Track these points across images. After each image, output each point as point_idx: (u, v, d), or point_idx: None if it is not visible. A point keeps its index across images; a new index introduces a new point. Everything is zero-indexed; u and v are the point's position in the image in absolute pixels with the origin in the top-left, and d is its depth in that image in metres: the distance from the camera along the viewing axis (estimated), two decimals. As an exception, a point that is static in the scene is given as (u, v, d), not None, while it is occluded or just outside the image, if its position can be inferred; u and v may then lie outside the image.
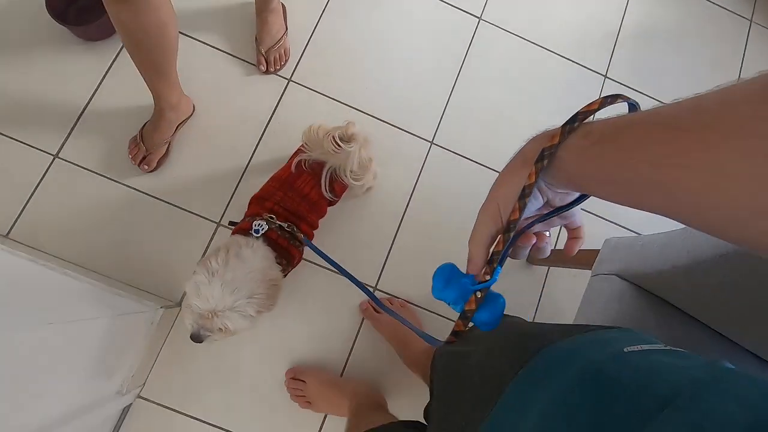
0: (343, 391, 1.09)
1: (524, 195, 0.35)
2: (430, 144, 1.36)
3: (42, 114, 1.22)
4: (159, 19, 0.90)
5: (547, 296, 1.30)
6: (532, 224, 0.40)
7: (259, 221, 0.92)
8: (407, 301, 1.23)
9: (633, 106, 0.35)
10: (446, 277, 0.41)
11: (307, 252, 1.00)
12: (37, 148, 1.20)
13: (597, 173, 0.31)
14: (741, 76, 1.53)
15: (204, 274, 0.80)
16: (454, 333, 0.39)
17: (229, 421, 1.13)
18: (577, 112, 0.33)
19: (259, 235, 0.90)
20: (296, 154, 1.03)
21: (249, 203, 1.03)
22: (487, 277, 0.38)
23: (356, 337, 1.21)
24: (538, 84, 1.47)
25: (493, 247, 0.38)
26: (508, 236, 0.37)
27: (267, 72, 1.31)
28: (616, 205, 0.32)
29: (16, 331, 0.61)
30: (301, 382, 1.12)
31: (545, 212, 0.40)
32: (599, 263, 0.88)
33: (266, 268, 0.87)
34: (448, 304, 0.41)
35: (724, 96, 0.24)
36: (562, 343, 0.46)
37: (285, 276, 0.95)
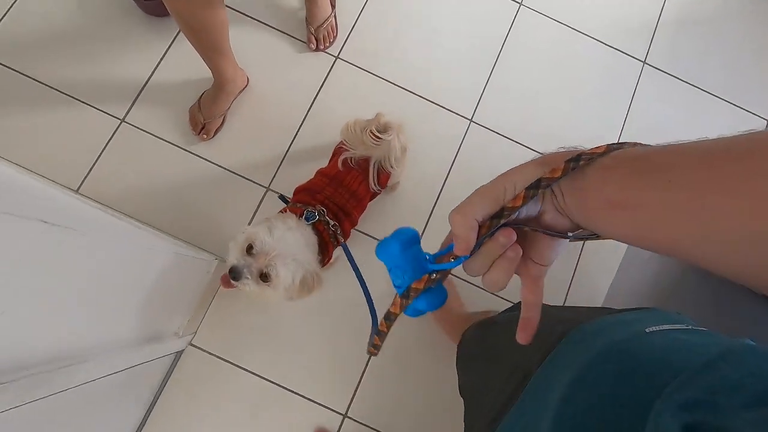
0: None
1: (537, 186, 0.32)
2: (469, 122, 1.41)
3: (111, 82, 1.32)
4: (210, 4, 0.97)
5: (581, 272, 1.32)
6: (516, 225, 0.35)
7: (311, 210, 0.96)
8: None
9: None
10: (407, 241, 0.36)
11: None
12: (106, 113, 1.30)
13: (618, 193, 0.29)
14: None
15: (266, 226, 0.85)
16: (387, 317, 0.37)
17: (271, 371, 1.19)
18: (582, 153, 0.31)
19: (309, 222, 0.94)
20: (338, 151, 1.06)
21: (296, 192, 1.07)
22: (451, 260, 0.34)
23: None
24: (577, 69, 1.50)
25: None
26: (495, 222, 0.33)
27: (317, 49, 1.39)
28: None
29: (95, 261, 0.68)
30: None
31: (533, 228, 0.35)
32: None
33: (314, 250, 0.92)
34: (389, 271, 0.37)
35: (756, 135, 0.25)
36: (587, 326, 0.47)
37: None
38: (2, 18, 1.32)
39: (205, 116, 1.27)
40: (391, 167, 1.03)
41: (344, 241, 1.00)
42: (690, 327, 0.41)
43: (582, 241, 0.39)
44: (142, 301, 0.84)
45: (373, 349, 0.40)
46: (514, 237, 0.34)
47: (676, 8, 1.57)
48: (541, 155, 0.35)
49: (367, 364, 1.22)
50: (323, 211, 0.97)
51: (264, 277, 0.83)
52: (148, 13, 1.36)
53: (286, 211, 0.99)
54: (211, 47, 1.12)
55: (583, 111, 1.46)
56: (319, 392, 1.19)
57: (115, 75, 1.33)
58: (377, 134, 0.97)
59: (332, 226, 0.98)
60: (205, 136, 1.29)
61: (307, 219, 0.95)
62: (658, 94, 1.50)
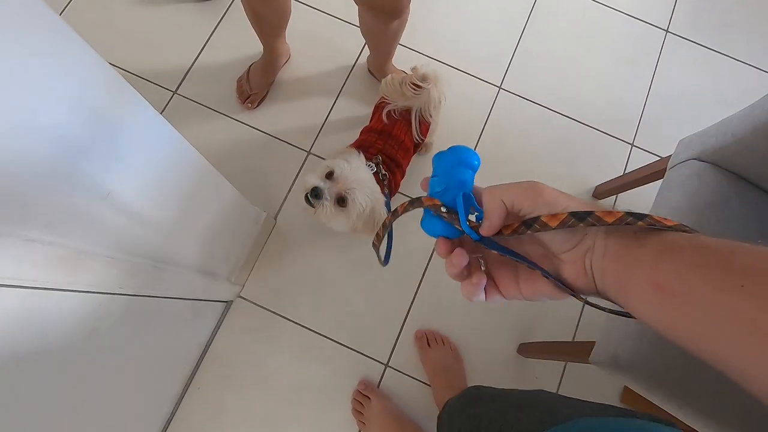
0: (402, 430, 1.09)
1: (583, 218, 0.29)
2: (498, 89, 1.47)
3: (163, 56, 1.42)
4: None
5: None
6: (520, 258, 0.34)
7: (369, 163, 1.01)
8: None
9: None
10: (462, 161, 0.36)
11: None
12: (157, 84, 1.40)
13: (674, 279, 0.26)
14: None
15: (344, 158, 0.92)
16: (393, 212, 0.37)
17: (315, 322, 1.24)
18: (648, 214, 0.28)
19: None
20: (380, 107, 1.13)
21: None
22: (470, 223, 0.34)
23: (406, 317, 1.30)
24: (602, 39, 1.55)
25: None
26: (523, 229, 0.32)
27: None
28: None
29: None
30: (367, 399, 1.14)
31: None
32: (675, 157, 0.95)
33: (382, 203, 0.97)
34: (431, 177, 0.37)
35: None
36: (598, 420, 0.43)
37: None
38: (63, 10, 1.45)
39: (252, 87, 1.36)
40: (431, 116, 1.10)
41: (388, 199, 1.06)
42: None
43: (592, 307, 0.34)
44: (206, 230, 0.91)
45: (376, 240, 0.40)
46: (463, 263, 0.34)
47: (696, -23, 1.62)
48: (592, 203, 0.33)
49: (406, 316, 1.26)
50: (380, 161, 1.04)
51: (341, 201, 0.89)
52: (197, -4, 1.47)
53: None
54: (271, 32, 1.24)
55: (610, 77, 1.51)
56: (362, 342, 1.24)
57: (169, 50, 1.43)
58: (417, 83, 1.04)
59: (383, 176, 1.04)
60: (249, 105, 1.37)
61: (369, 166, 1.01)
62: (682, 61, 1.55)
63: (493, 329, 1.26)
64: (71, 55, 0.46)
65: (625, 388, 1.21)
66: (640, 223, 0.28)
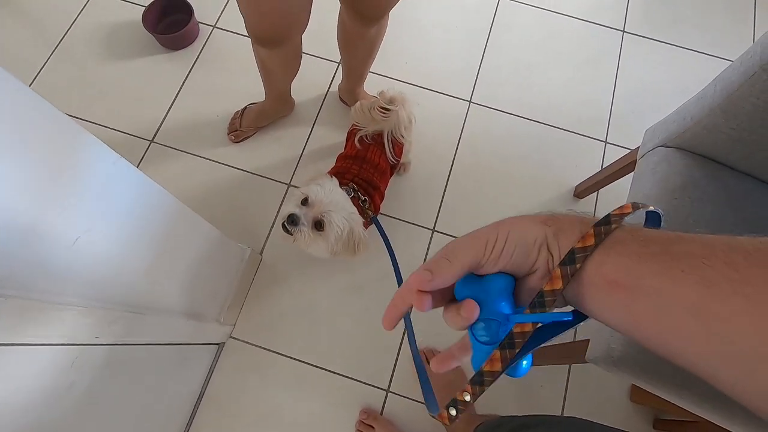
0: None
1: (573, 260, 0.27)
2: (468, 103, 1.51)
3: (139, 108, 1.45)
4: (295, 52, 1.12)
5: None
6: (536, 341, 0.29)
7: (345, 187, 1.02)
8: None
9: (658, 216, 0.31)
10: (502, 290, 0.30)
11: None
12: (133, 135, 1.42)
13: (622, 272, 0.25)
14: (755, 23, 1.63)
15: (318, 183, 0.93)
16: (479, 381, 0.28)
17: (310, 355, 1.22)
18: (609, 214, 0.27)
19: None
20: (352, 133, 1.15)
21: None
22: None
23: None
24: (563, 45, 1.61)
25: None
26: (539, 311, 0.28)
27: None
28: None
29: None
30: (370, 428, 1.12)
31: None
32: (643, 147, 0.96)
33: (359, 223, 0.97)
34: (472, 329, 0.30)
35: None
36: None
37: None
38: (38, 74, 1.48)
39: (242, 125, 1.39)
40: (402, 136, 1.12)
41: (374, 215, 1.07)
42: None
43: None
44: (188, 272, 0.91)
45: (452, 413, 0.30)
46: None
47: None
48: (543, 213, 0.30)
49: (402, 338, 1.24)
50: (355, 187, 1.05)
51: (318, 225, 0.90)
52: (166, 46, 1.52)
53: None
54: (280, 83, 1.27)
55: (576, 79, 1.56)
56: (360, 370, 1.21)
57: (144, 104, 1.46)
58: (385, 107, 1.06)
59: (362, 201, 1.04)
60: (233, 138, 1.40)
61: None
62: (642, 57, 1.60)
63: (492, 341, 1.24)
64: (27, 110, 0.46)
65: (633, 387, 1.18)
66: (613, 227, 0.27)
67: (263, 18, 0.95)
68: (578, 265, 0.26)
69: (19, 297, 0.48)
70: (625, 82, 1.55)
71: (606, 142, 1.47)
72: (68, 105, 1.44)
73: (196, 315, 0.99)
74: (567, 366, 1.21)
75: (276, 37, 1.00)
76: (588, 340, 0.82)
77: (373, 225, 1.13)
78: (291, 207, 0.90)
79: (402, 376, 1.20)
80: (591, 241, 0.26)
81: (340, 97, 1.47)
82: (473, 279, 0.31)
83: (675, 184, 0.80)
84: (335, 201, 0.92)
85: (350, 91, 1.40)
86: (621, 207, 0.28)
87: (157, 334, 0.82)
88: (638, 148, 1.02)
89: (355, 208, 0.99)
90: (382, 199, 1.15)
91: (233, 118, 1.42)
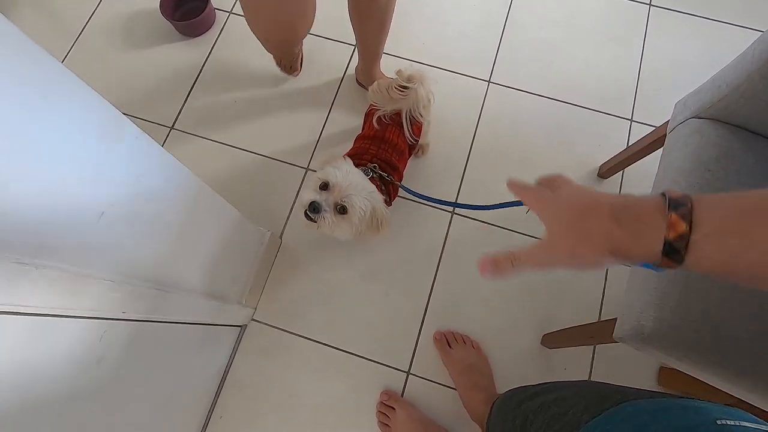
0: None
1: (680, 260, 0.32)
2: (487, 83, 1.47)
3: (158, 95, 1.46)
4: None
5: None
6: None
7: (364, 168, 1.01)
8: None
9: None
10: None
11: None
12: (154, 122, 1.43)
13: (726, 222, 0.30)
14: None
15: (333, 165, 0.92)
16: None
17: (331, 337, 1.22)
18: (669, 197, 0.32)
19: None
20: (370, 114, 1.14)
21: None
22: None
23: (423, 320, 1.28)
24: (585, 21, 1.55)
25: None
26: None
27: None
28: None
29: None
30: (391, 409, 1.11)
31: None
32: (672, 120, 0.92)
33: (380, 200, 0.96)
34: None
35: None
36: (647, 402, 0.42)
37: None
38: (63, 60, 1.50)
39: (285, 61, 1.41)
40: (420, 115, 1.10)
41: (400, 184, 1.05)
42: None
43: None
44: (210, 252, 0.91)
45: None
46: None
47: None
48: (604, 208, 0.35)
49: (422, 321, 1.23)
50: (375, 166, 1.03)
51: (341, 209, 0.89)
52: (183, 33, 1.52)
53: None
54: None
55: (599, 57, 1.51)
56: (381, 352, 1.21)
57: (164, 90, 1.47)
58: (403, 85, 1.04)
59: (387, 176, 1.03)
60: (296, 73, 1.46)
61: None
62: (670, 31, 1.53)
63: (515, 323, 1.22)
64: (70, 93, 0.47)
65: (661, 368, 1.15)
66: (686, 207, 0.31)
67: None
68: (689, 205, 0.31)
69: (50, 267, 0.49)
70: (651, 57, 1.49)
71: (632, 120, 1.42)
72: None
73: (218, 296, 1.00)
74: (591, 348, 1.19)
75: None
76: (615, 319, 0.80)
77: (394, 203, 1.12)
78: (311, 194, 0.90)
79: (422, 358, 1.20)
80: (682, 229, 0.31)
81: (357, 80, 1.46)
82: None
83: (709, 156, 0.77)
84: (354, 182, 0.91)
85: (367, 71, 1.38)
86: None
87: (180, 312, 0.83)
88: (667, 122, 0.98)
89: (374, 187, 0.98)
90: (400, 179, 1.13)
91: (279, 64, 1.44)
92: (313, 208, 0.89)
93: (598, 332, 0.88)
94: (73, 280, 0.54)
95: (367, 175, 1.00)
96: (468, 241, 1.30)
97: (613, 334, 0.78)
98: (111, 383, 0.70)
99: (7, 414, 0.49)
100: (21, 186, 0.44)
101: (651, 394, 0.44)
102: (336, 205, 0.90)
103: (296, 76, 1.47)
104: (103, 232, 0.57)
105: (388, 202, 1.10)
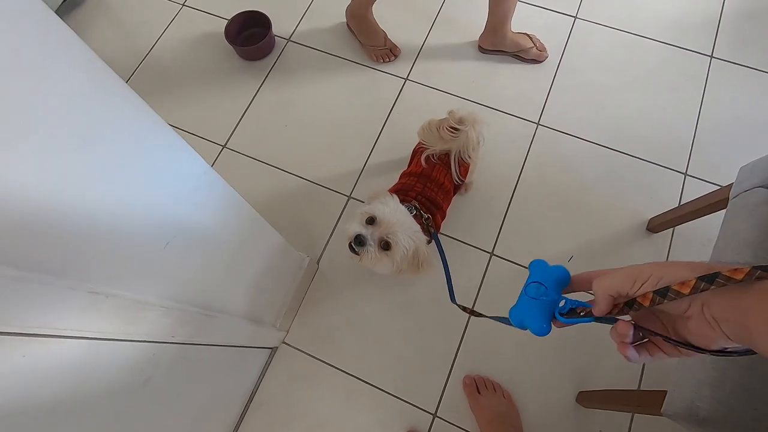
0: None
1: (664, 294, 0.34)
2: (536, 125, 1.46)
3: (215, 115, 1.53)
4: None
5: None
6: (651, 333, 0.38)
7: (408, 205, 1.02)
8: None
9: None
10: (562, 279, 0.44)
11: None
12: (208, 140, 1.50)
13: None
14: None
15: (381, 201, 0.93)
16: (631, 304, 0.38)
17: (360, 369, 1.21)
18: (718, 272, 0.32)
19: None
20: (418, 151, 1.15)
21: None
22: (581, 314, 0.41)
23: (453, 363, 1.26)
24: (642, 69, 1.53)
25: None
26: (626, 309, 0.38)
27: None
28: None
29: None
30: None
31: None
32: (737, 186, 0.89)
33: (422, 241, 0.97)
34: (529, 282, 0.45)
35: None
36: None
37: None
38: (127, 81, 1.61)
39: (377, 47, 1.55)
40: (469, 157, 1.10)
41: (435, 232, 1.06)
42: None
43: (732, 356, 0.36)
44: (254, 277, 0.93)
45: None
46: (628, 336, 0.38)
47: (737, 2, 1.59)
48: (702, 262, 0.35)
49: (453, 362, 1.20)
50: (417, 205, 1.04)
51: (385, 245, 0.90)
52: (244, 57, 1.60)
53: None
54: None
55: (654, 105, 1.47)
56: (408, 390, 1.19)
57: (220, 111, 1.54)
58: (455, 126, 1.05)
59: (425, 219, 1.03)
60: (393, 57, 1.57)
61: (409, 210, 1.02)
62: (731, 84, 1.48)
63: (549, 375, 1.18)
64: (136, 119, 0.50)
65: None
66: (718, 282, 0.31)
67: None
68: (712, 286, 0.32)
69: (117, 296, 0.51)
70: (710, 111, 1.44)
71: (686, 174, 1.37)
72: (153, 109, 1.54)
73: (257, 319, 1.02)
74: (630, 414, 1.13)
75: None
76: (665, 392, 0.76)
77: (433, 242, 1.12)
78: (356, 227, 0.91)
79: (450, 401, 1.17)
80: (740, 275, 0.31)
81: (480, 48, 1.56)
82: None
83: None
84: (401, 220, 0.92)
85: (498, 26, 1.44)
86: (736, 268, 0.31)
87: (221, 335, 0.85)
88: (730, 185, 0.94)
89: (419, 226, 0.98)
90: (443, 218, 1.13)
91: (373, 55, 1.57)
92: (359, 242, 0.90)
93: (643, 402, 0.84)
94: (133, 307, 0.56)
95: (411, 213, 1.01)
96: (505, 283, 1.27)
97: (662, 410, 0.74)
98: (153, 403, 0.72)
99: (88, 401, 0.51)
100: (96, 219, 0.47)
101: None
102: (381, 240, 0.91)
103: (393, 59, 1.57)
104: (165, 261, 0.60)
105: (430, 240, 1.11)
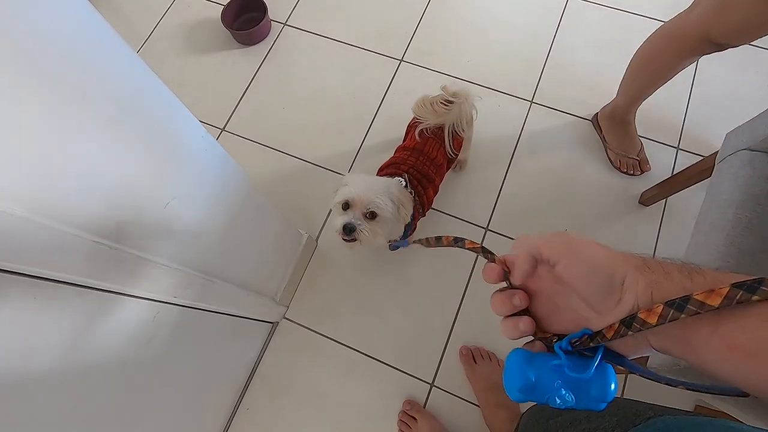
0: None
1: (630, 325, 0.28)
2: (530, 103, 1.48)
3: (213, 98, 1.56)
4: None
5: (666, 237, 1.28)
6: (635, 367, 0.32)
7: (398, 178, 1.05)
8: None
9: None
10: (531, 360, 0.34)
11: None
12: (207, 123, 1.52)
13: (746, 338, 0.25)
14: None
15: (345, 180, 0.97)
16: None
17: (359, 342, 1.24)
18: (760, 280, 0.25)
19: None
20: (412, 127, 1.17)
21: (380, 168, 1.15)
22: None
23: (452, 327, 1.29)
24: (633, 46, 1.53)
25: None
26: (589, 343, 0.31)
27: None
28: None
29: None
30: (413, 419, 1.12)
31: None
32: (722, 150, 0.91)
33: (397, 186, 1.00)
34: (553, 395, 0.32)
35: None
36: (682, 418, 0.41)
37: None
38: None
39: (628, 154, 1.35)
40: (463, 130, 1.12)
41: (427, 209, 1.09)
42: None
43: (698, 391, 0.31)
44: (252, 248, 0.96)
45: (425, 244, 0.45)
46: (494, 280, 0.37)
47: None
48: (636, 255, 0.31)
49: (450, 333, 1.23)
50: (408, 178, 1.07)
51: (371, 215, 0.93)
52: (241, 41, 1.62)
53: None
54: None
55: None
56: (406, 361, 1.22)
57: (218, 95, 1.56)
58: (448, 99, 1.07)
59: (414, 195, 1.06)
60: (640, 172, 1.34)
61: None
62: (724, 61, 1.47)
63: (543, 345, 1.21)
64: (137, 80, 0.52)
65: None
66: (754, 297, 0.24)
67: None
68: (683, 316, 0.26)
69: (120, 249, 0.54)
70: (703, 87, 1.46)
71: (678, 149, 1.39)
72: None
73: (255, 290, 1.04)
74: (625, 375, 1.16)
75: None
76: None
77: (424, 217, 1.15)
78: (338, 219, 0.95)
79: (447, 371, 1.20)
80: (716, 302, 0.25)
81: (595, 122, 1.41)
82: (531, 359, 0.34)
83: (761, 189, 0.75)
84: (369, 186, 0.95)
85: (626, 110, 1.31)
86: (712, 291, 0.26)
87: (221, 302, 0.88)
88: (716, 153, 0.96)
89: (390, 178, 1.02)
90: (435, 192, 1.16)
91: (616, 160, 1.36)
92: (349, 230, 0.94)
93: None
94: (136, 262, 0.59)
95: (403, 185, 1.04)
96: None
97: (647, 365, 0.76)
98: (156, 362, 0.75)
99: (67, 375, 0.54)
100: (106, 177, 0.50)
101: (686, 412, 0.44)
102: (365, 214, 0.95)
103: (639, 174, 1.35)
104: (167, 220, 0.63)
105: (422, 213, 1.13)
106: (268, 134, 1.50)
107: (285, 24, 1.66)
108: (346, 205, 0.97)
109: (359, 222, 0.95)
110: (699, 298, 0.25)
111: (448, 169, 1.20)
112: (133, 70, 0.51)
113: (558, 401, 0.31)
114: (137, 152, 0.53)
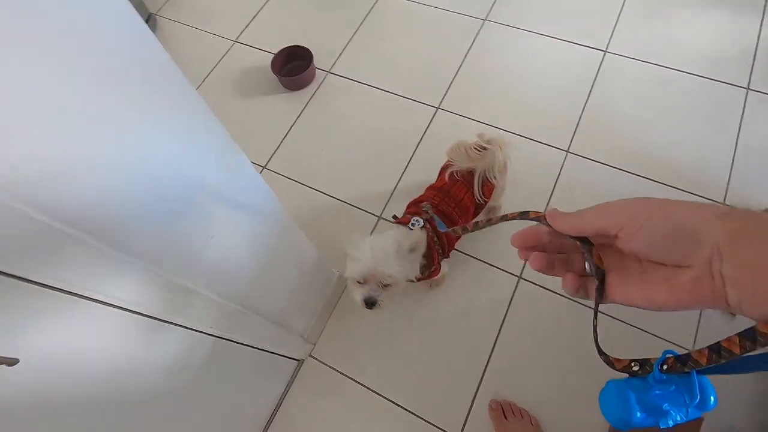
0: None
1: (754, 339, 0.26)
2: (566, 153, 1.48)
3: (257, 138, 1.65)
4: None
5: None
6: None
7: (417, 218, 1.08)
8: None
9: None
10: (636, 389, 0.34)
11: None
12: (252, 162, 1.59)
13: None
14: None
15: (352, 257, 1.00)
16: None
17: (384, 386, 1.21)
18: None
19: (413, 228, 1.06)
20: (445, 167, 1.19)
21: (408, 206, 1.20)
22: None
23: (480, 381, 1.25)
24: (675, 100, 1.54)
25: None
26: (680, 367, 0.31)
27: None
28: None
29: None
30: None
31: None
32: (773, 208, 0.87)
33: (405, 235, 1.01)
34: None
35: None
36: None
37: (424, 278, 1.11)
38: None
39: None
40: (495, 177, 1.13)
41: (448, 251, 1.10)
42: None
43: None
44: (286, 283, 0.98)
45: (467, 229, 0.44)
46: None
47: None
48: (722, 206, 0.29)
49: (479, 384, 1.19)
50: (428, 211, 1.08)
51: (386, 286, 0.98)
52: (286, 87, 1.72)
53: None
54: None
55: (688, 136, 1.47)
56: (433, 412, 1.17)
57: (262, 135, 1.65)
58: (482, 145, 1.09)
59: (425, 223, 1.07)
60: None
61: (412, 225, 1.06)
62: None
63: (580, 402, 1.13)
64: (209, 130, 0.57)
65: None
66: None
67: None
68: (757, 346, 0.25)
69: (169, 278, 0.57)
70: (748, 143, 1.42)
71: (724, 204, 1.34)
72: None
73: (285, 325, 1.05)
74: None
75: None
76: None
77: (448, 258, 1.15)
78: (357, 296, 1.00)
79: (475, 425, 1.14)
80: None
81: None
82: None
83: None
84: (375, 257, 0.96)
85: None
86: None
87: (252, 335, 0.89)
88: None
89: (398, 227, 1.05)
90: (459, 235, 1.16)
91: None
92: (370, 304, 0.98)
93: (679, 429, 0.80)
94: (182, 291, 0.61)
95: (419, 225, 1.06)
96: (534, 307, 1.26)
97: (698, 434, 0.71)
98: (183, 392, 0.75)
99: (107, 400, 0.56)
100: (164, 201, 0.53)
101: None
102: (380, 286, 0.98)
103: None
104: (210, 252, 0.65)
105: (445, 254, 1.12)
106: (306, 173, 1.55)
107: (329, 72, 1.76)
108: (361, 280, 1.00)
109: (377, 293, 0.99)
110: (765, 330, 0.25)
111: (476, 213, 1.19)
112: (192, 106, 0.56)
113: (670, 423, 0.33)
114: (189, 186, 0.57)
